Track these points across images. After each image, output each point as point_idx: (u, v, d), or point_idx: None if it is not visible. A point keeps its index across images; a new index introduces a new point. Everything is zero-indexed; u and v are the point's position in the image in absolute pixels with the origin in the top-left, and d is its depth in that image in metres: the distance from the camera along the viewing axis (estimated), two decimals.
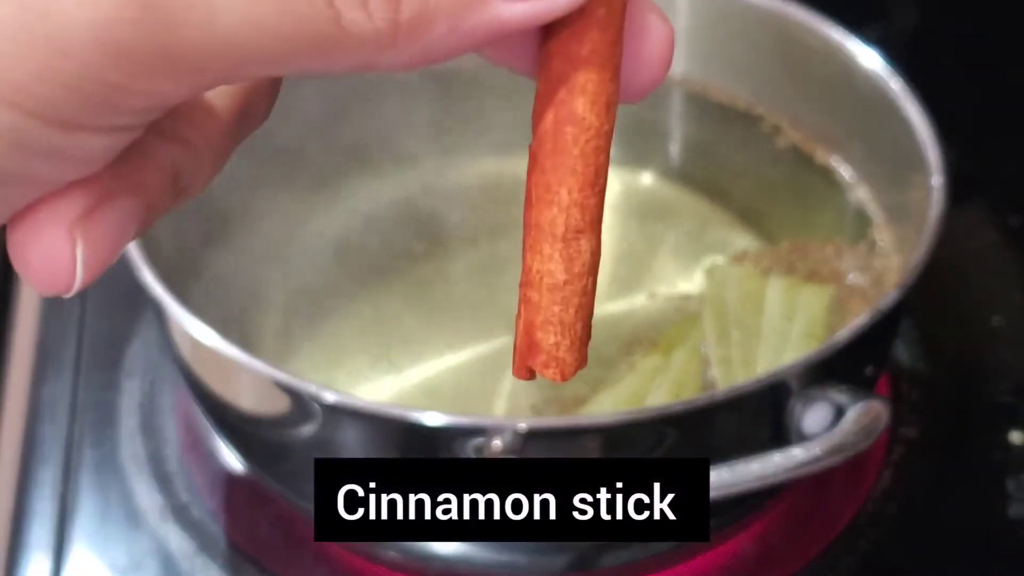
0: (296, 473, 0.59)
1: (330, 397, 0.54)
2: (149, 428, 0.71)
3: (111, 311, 0.77)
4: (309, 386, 0.54)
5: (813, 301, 0.66)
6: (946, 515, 0.68)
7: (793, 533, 0.67)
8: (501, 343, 0.68)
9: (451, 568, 0.59)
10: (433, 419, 0.54)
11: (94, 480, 0.69)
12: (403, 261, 0.73)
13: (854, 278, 0.68)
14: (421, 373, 0.67)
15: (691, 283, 0.71)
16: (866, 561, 0.66)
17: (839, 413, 0.55)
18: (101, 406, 0.72)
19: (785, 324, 0.65)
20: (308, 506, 0.61)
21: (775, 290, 0.68)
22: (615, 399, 0.63)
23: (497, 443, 0.52)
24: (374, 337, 0.68)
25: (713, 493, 0.51)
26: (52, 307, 0.78)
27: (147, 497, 0.68)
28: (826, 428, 0.55)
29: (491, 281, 0.71)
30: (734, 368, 0.64)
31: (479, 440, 0.53)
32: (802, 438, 0.55)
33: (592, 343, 0.70)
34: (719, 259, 0.71)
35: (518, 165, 0.80)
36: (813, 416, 0.56)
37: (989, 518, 0.68)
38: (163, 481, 0.69)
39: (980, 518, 0.68)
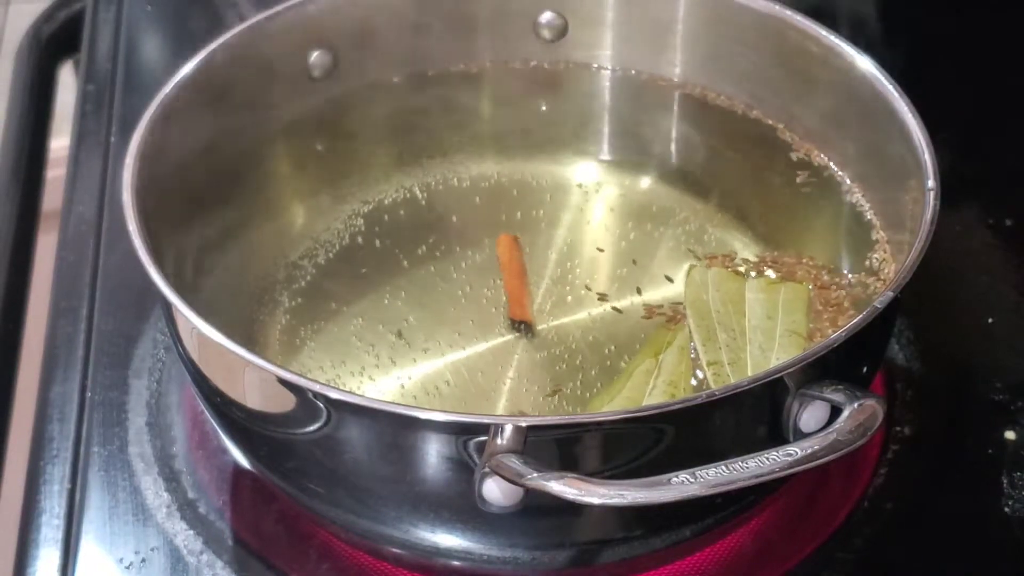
0: (300, 471, 0.60)
1: (333, 394, 0.55)
2: (156, 427, 0.72)
3: (119, 312, 0.78)
4: (313, 383, 0.55)
5: (793, 298, 0.67)
6: (941, 512, 0.69)
7: (790, 529, 0.67)
8: (503, 341, 0.69)
9: (453, 563, 0.60)
10: (435, 416, 0.55)
11: (102, 477, 0.70)
12: (406, 260, 0.73)
13: (851, 281, 0.69)
14: (424, 371, 0.67)
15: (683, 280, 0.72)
16: (862, 557, 0.66)
17: (836, 411, 0.56)
18: (109, 405, 0.73)
19: (769, 323, 0.66)
20: (311, 503, 0.61)
21: (753, 290, 0.68)
22: (611, 404, 0.64)
23: (499, 440, 0.53)
24: (378, 336, 0.69)
25: (710, 490, 0.52)
26: (61, 308, 0.78)
27: (154, 494, 0.69)
28: (823, 426, 0.56)
29: (493, 280, 0.72)
30: (725, 369, 0.64)
31: (481, 438, 0.54)
32: (800, 436, 0.56)
33: (592, 342, 0.71)
34: (695, 261, 0.72)
35: (518, 165, 0.82)
36: (810, 414, 0.56)
37: (984, 515, 0.68)
38: (170, 478, 0.70)
39: (975, 515, 0.69)
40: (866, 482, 0.69)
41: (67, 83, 1.01)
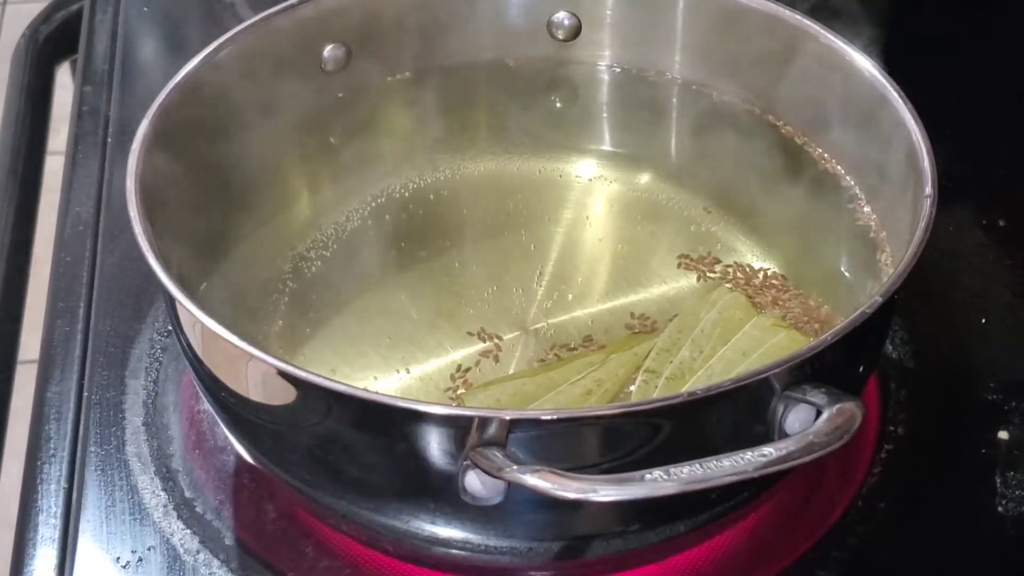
0: (300, 462, 0.60)
1: (327, 385, 0.55)
2: (153, 426, 0.72)
3: (116, 312, 0.78)
4: (311, 376, 0.55)
5: (783, 347, 0.65)
6: (935, 511, 0.69)
7: (785, 528, 0.68)
8: (505, 338, 0.69)
9: (452, 553, 0.60)
10: (419, 408, 0.55)
11: (100, 477, 0.70)
12: (409, 256, 0.73)
13: None
14: (426, 367, 0.67)
15: (688, 282, 0.72)
16: (856, 556, 0.67)
17: (819, 414, 0.56)
18: (106, 405, 0.73)
19: (739, 358, 0.65)
20: (314, 493, 0.62)
21: (755, 326, 0.67)
22: (536, 384, 0.64)
23: (482, 433, 0.53)
24: (380, 331, 0.69)
25: (683, 488, 0.52)
26: (59, 308, 0.79)
27: (151, 493, 0.69)
28: (806, 428, 0.56)
29: (496, 276, 0.72)
30: (657, 382, 0.64)
31: (464, 431, 0.54)
32: (784, 438, 0.56)
33: (589, 337, 0.70)
34: (727, 286, 0.71)
35: (522, 162, 0.82)
36: (795, 416, 0.56)
37: (978, 514, 0.69)
38: (167, 478, 0.70)
39: (969, 515, 0.69)
40: (860, 481, 0.69)
41: (64, 84, 1.01)
